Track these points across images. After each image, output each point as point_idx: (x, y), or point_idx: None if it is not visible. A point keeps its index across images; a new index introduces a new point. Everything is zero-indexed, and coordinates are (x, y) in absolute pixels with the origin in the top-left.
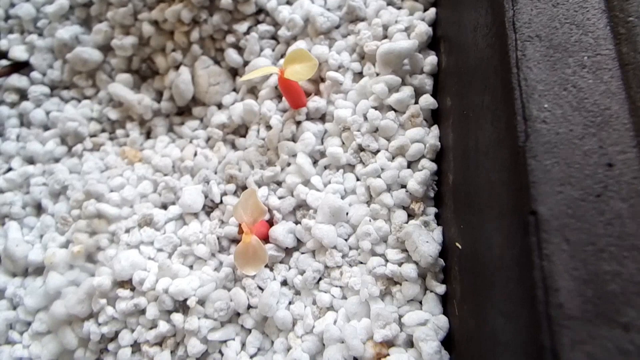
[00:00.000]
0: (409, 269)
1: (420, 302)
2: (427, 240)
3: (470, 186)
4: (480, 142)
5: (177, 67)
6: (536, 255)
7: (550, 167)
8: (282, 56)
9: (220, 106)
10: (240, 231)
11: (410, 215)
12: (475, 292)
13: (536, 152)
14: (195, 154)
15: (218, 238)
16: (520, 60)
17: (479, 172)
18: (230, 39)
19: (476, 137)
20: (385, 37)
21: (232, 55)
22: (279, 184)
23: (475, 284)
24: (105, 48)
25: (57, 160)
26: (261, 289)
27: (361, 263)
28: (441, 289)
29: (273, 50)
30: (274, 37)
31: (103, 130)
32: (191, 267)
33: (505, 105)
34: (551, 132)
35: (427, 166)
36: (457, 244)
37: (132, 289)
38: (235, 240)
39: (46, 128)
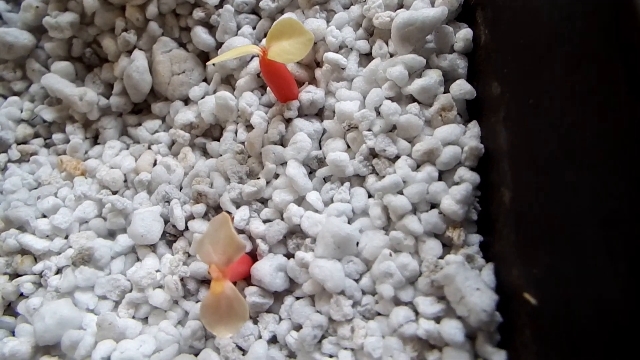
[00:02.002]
0: (452, 328)
1: None
2: (477, 287)
3: (552, 210)
4: (572, 144)
5: (130, 52)
6: None
7: None
8: (265, 35)
9: (186, 101)
10: None
11: (446, 246)
12: None
13: None
14: (155, 164)
15: (182, 279)
16: None
17: (574, 191)
18: (199, 14)
19: (561, 136)
20: (400, 6)
21: (200, 34)
22: (264, 202)
23: None
24: (38, 29)
25: None
26: (242, 350)
27: (380, 315)
28: (500, 357)
29: (254, 27)
30: (255, 11)
31: (36, 135)
32: (145, 320)
33: (632, 85)
34: None
35: (467, 177)
36: (528, 297)
37: (62, 357)
38: (205, 281)
39: None
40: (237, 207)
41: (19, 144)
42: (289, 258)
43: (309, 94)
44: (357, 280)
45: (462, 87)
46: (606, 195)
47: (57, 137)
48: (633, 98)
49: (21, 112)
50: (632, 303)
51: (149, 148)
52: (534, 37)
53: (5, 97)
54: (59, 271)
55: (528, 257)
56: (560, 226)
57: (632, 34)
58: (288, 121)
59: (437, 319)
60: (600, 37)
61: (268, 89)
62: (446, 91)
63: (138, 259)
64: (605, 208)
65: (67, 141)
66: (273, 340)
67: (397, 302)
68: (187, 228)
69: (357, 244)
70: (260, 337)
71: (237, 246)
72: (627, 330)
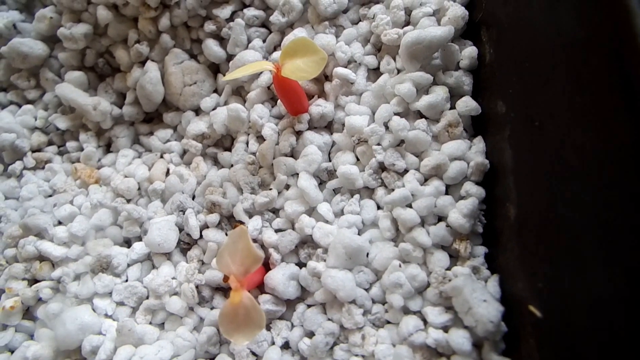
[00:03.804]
0: (460, 338)
1: None
2: (484, 299)
3: (554, 226)
4: (573, 165)
5: (142, 63)
6: None
7: None
8: (275, 48)
9: (198, 111)
10: (227, 279)
11: (453, 257)
12: None
13: None
14: (168, 173)
15: (197, 287)
16: None
17: (575, 209)
18: (210, 26)
19: (563, 157)
20: (407, 23)
21: (212, 47)
22: (276, 212)
23: None
24: (52, 39)
25: None
26: (255, 355)
27: (390, 323)
28: None
29: (264, 41)
30: (265, 25)
31: (50, 143)
32: (162, 326)
33: (628, 114)
34: None
35: (474, 192)
36: (533, 309)
37: None
38: (220, 289)
39: None
40: (250, 217)
41: (33, 151)
42: (300, 267)
43: (319, 107)
44: (367, 290)
45: (467, 104)
46: (607, 211)
47: (70, 145)
48: (631, 119)
49: (35, 120)
50: (632, 314)
51: (162, 157)
52: (536, 59)
53: (20, 106)
54: (76, 277)
55: (532, 270)
56: (563, 241)
57: (632, 59)
58: (298, 133)
59: (445, 328)
60: (602, 60)
61: (279, 101)
62: (452, 107)
63: (154, 267)
64: (606, 224)
65: (81, 149)
66: (285, 346)
67: (406, 311)
68: (201, 236)
69: (367, 254)
70: (273, 343)
71: (254, 258)
72: (627, 340)
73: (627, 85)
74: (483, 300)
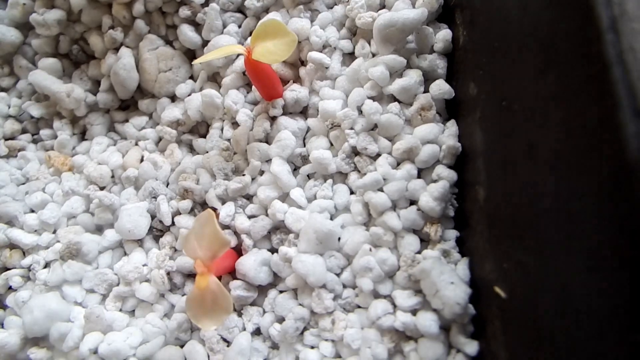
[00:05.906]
0: (428, 321)
1: None
2: (451, 281)
3: (520, 208)
4: (538, 146)
5: (116, 49)
6: None
7: None
8: (250, 34)
9: (173, 98)
10: None
11: (424, 241)
12: None
13: None
14: (142, 160)
15: (168, 274)
16: (619, 20)
17: (539, 190)
18: (185, 12)
19: (529, 138)
20: (383, 6)
21: (187, 32)
22: (249, 198)
23: (539, 355)
24: (25, 26)
25: None
26: (226, 341)
27: (359, 307)
28: (472, 347)
29: (239, 26)
30: (240, 10)
31: (23, 131)
32: (132, 313)
33: (593, 91)
34: None
35: (445, 175)
36: (498, 290)
37: (50, 348)
38: (192, 275)
39: None
40: (223, 203)
41: (6, 139)
42: (273, 253)
43: (294, 92)
44: (338, 275)
45: (441, 87)
46: (569, 194)
47: (44, 133)
48: (594, 102)
49: (9, 108)
50: (591, 296)
51: (136, 144)
52: (506, 40)
53: None
54: (47, 265)
55: (499, 253)
56: (527, 223)
57: (592, 43)
58: (273, 119)
59: (414, 312)
60: (566, 43)
61: (253, 87)
62: (426, 91)
63: (125, 254)
64: (568, 206)
65: (55, 137)
66: (257, 332)
67: (376, 295)
68: (173, 223)
69: (339, 239)
70: (244, 329)
71: (221, 242)
72: (587, 322)
73: (594, 66)
74: (450, 283)
